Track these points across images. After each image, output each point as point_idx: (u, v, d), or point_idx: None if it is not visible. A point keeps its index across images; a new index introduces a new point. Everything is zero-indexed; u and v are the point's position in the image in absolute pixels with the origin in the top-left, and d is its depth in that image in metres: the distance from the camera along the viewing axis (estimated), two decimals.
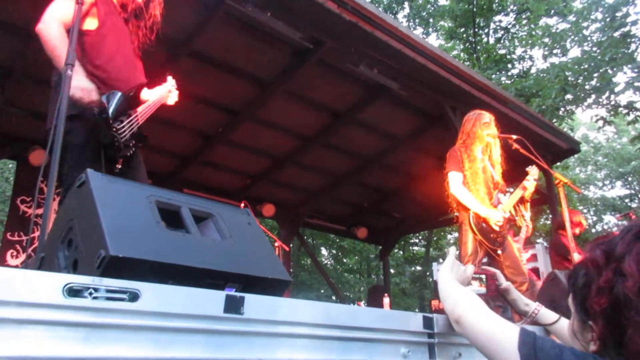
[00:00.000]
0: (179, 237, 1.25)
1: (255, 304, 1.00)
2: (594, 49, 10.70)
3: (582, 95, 10.78)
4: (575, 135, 17.21)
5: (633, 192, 21.67)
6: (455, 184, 3.48)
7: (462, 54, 15.98)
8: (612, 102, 10.67)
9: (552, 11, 13.98)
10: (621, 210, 19.02)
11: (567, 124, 12.02)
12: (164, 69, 4.35)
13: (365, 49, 4.64)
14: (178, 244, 1.22)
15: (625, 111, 10.56)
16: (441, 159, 4.00)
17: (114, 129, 1.96)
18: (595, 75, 10.42)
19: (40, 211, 3.90)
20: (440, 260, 16.21)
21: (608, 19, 10.23)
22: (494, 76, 13.68)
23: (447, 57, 5.27)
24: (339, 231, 10.25)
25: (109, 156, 2.01)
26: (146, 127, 2.18)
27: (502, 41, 15.96)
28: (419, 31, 17.20)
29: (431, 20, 17.17)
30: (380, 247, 11.00)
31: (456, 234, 14.63)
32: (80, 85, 1.98)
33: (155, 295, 0.88)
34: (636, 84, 9.67)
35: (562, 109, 11.71)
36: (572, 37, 11.95)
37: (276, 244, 5.89)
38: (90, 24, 2.13)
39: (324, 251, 20.72)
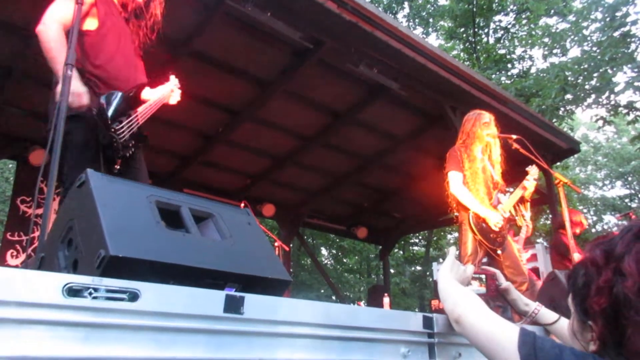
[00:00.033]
0: (179, 237, 1.25)
1: (255, 303, 1.01)
2: (594, 48, 10.70)
3: (582, 95, 10.78)
4: (575, 135, 17.22)
5: (633, 192, 21.67)
6: (455, 183, 3.48)
7: (462, 54, 15.98)
8: (612, 102, 10.67)
9: (552, 11, 13.99)
10: (621, 210, 19.02)
11: (567, 124, 12.02)
12: (164, 68, 4.35)
13: (365, 49, 4.64)
14: (178, 244, 1.22)
15: (625, 111, 10.56)
16: (441, 159, 4.00)
17: (113, 130, 1.96)
18: (595, 75, 10.42)
19: (40, 211, 3.90)
20: (440, 260, 16.22)
21: (608, 19, 10.23)
22: (493, 76, 13.68)
23: (447, 57, 5.27)
24: (339, 231, 10.26)
25: (107, 157, 2.00)
26: (146, 127, 2.18)
27: (502, 41, 15.96)
28: (418, 31, 17.21)
29: (431, 20, 17.17)
30: (380, 247, 11.00)
31: (456, 234, 14.63)
32: (74, 90, 1.94)
33: (155, 295, 0.88)
34: (636, 83, 9.66)
35: (562, 108, 11.71)
36: (572, 37, 11.96)
37: (276, 244, 5.89)
38: (90, 24, 2.14)
39: (324, 251, 20.73)
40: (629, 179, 21.44)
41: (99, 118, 1.95)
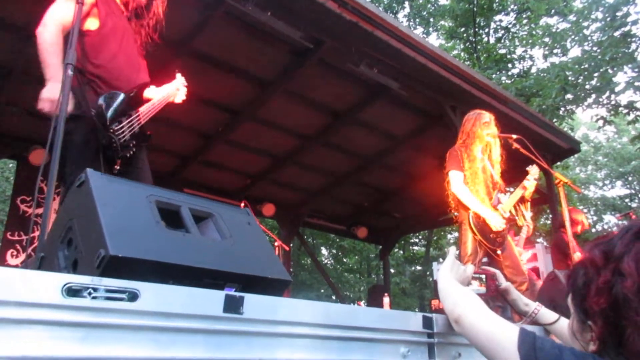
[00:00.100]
0: (179, 236, 1.25)
1: (255, 303, 1.00)
2: (595, 48, 10.70)
3: (583, 95, 10.78)
4: (576, 135, 17.22)
5: (633, 191, 21.67)
6: (456, 183, 3.48)
7: (462, 54, 15.98)
8: (613, 102, 10.68)
9: (553, 11, 13.99)
10: (621, 210, 19.02)
11: (567, 124, 12.01)
12: (164, 68, 4.35)
13: (366, 49, 4.64)
14: (178, 244, 1.22)
15: (625, 111, 10.56)
16: (441, 159, 4.00)
17: (112, 130, 1.96)
18: (596, 74, 10.42)
19: (40, 211, 3.89)
20: (440, 260, 16.22)
21: (608, 19, 10.23)
22: (494, 76, 13.67)
23: (448, 57, 5.27)
24: (339, 231, 10.26)
25: (107, 157, 2.00)
26: (146, 126, 2.17)
27: (502, 41, 15.95)
28: (419, 31, 17.21)
29: (431, 19, 17.17)
30: (380, 246, 11.00)
31: (456, 234, 14.62)
32: (52, 97, 1.88)
33: (155, 295, 0.88)
34: (636, 83, 9.67)
35: (563, 108, 11.71)
36: (573, 36, 11.96)
37: (276, 244, 5.90)
38: (91, 24, 2.13)
39: (324, 251, 20.73)
40: (629, 178, 21.44)
41: (97, 119, 1.95)
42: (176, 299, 0.91)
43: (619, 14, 9.98)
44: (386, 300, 7.11)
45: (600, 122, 10.88)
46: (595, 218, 21.18)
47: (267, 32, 4.51)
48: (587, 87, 10.71)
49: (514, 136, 3.57)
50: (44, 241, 1.47)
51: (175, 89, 2.31)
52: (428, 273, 18.20)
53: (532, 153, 3.53)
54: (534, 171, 3.64)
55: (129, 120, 2.03)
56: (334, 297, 15.84)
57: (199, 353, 0.91)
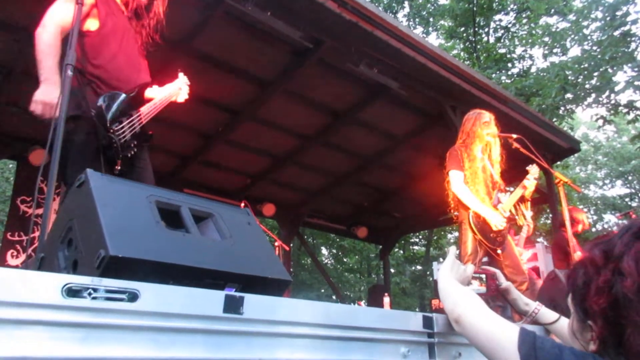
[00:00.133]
0: (179, 237, 1.25)
1: (254, 303, 1.00)
2: (594, 48, 10.70)
3: (582, 94, 10.78)
4: (576, 135, 17.21)
5: (633, 191, 21.67)
6: (456, 182, 3.48)
7: (462, 53, 15.98)
8: (612, 101, 10.68)
9: (552, 10, 13.99)
10: (621, 209, 19.02)
11: (567, 123, 12.01)
12: (164, 68, 4.35)
13: (365, 49, 4.63)
14: (178, 244, 1.22)
15: (625, 110, 10.56)
16: (441, 159, 4.00)
17: (112, 131, 1.96)
18: (595, 74, 10.42)
19: (40, 211, 3.90)
20: (441, 259, 16.22)
21: (608, 18, 10.23)
22: (494, 75, 13.67)
23: (447, 57, 5.27)
24: (339, 231, 10.26)
25: (108, 157, 2.00)
26: (146, 126, 2.17)
27: (502, 40, 15.95)
28: (419, 30, 17.21)
29: (431, 19, 17.17)
30: (381, 246, 11.00)
31: (456, 234, 14.62)
32: (45, 99, 1.87)
33: (155, 296, 0.88)
34: (636, 83, 9.66)
35: (562, 108, 11.70)
36: (572, 36, 11.96)
37: (276, 244, 5.90)
38: (91, 24, 2.13)
39: (324, 251, 20.73)
40: (629, 178, 21.44)
41: (97, 119, 1.95)
42: (176, 299, 0.91)
43: (618, 13, 9.98)
44: (386, 300, 7.11)
45: (600, 122, 10.88)
46: (595, 217, 21.20)
47: (267, 32, 4.51)
48: (587, 86, 10.71)
49: (514, 136, 3.57)
50: (44, 241, 1.47)
51: (178, 88, 2.31)
52: (428, 273, 18.20)
53: (532, 152, 3.53)
54: (534, 170, 3.64)
55: (130, 120, 2.03)
56: (334, 297, 15.84)
57: (199, 353, 0.91)
